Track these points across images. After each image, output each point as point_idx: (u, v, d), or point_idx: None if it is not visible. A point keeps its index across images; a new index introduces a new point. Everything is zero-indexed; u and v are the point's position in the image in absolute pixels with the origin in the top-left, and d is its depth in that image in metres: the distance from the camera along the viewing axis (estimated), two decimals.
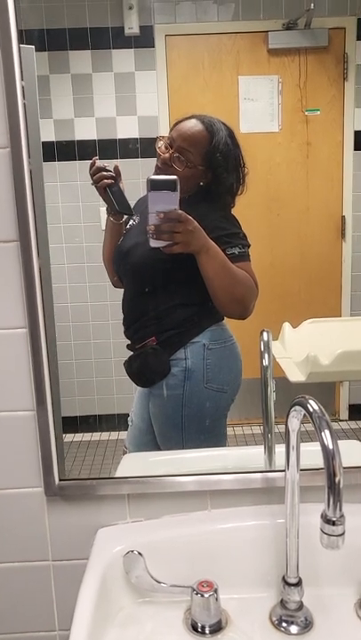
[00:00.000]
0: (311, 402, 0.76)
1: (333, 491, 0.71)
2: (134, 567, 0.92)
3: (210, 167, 1.24)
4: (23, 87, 0.88)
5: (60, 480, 1.02)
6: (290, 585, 0.90)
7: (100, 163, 1.29)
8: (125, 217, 1.36)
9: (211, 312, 1.26)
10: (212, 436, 1.33)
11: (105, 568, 0.92)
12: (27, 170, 0.91)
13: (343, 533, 0.73)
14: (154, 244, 1.14)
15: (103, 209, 1.69)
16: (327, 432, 0.72)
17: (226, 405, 1.35)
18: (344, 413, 1.68)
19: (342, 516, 0.72)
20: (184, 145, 1.22)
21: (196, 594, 0.89)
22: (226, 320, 1.32)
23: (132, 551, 0.93)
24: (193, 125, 1.24)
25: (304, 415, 0.78)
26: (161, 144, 1.25)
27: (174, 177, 1.11)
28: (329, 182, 1.63)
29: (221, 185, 1.26)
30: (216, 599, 0.89)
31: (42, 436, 1.01)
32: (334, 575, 0.96)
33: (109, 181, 1.27)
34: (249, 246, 1.25)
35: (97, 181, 1.28)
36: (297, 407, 0.79)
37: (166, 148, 1.24)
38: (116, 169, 1.28)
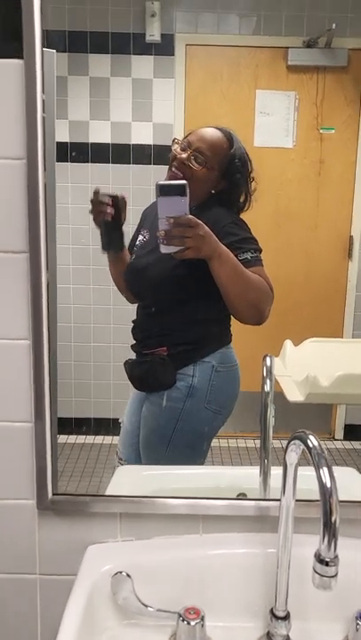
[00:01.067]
0: (311, 438, 0.75)
1: (329, 529, 0.70)
2: (122, 589, 0.92)
3: (227, 173, 1.24)
4: (44, 101, 0.87)
5: (54, 494, 1.02)
6: (277, 618, 0.89)
7: (103, 195, 1.28)
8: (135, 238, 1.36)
9: (225, 333, 1.26)
10: (195, 453, 1.33)
11: (92, 587, 0.91)
12: (41, 183, 0.91)
13: (336, 575, 0.71)
14: (164, 249, 1.13)
15: None
16: (325, 470, 0.71)
17: (217, 427, 1.35)
18: (340, 433, 1.67)
19: (336, 556, 0.71)
20: (203, 147, 1.23)
21: (183, 620, 0.88)
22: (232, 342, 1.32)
23: (121, 572, 0.92)
24: (212, 131, 1.25)
25: (303, 450, 0.77)
26: (176, 146, 1.25)
27: (184, 182, 1.10)
28: (339, 201, 1.63)
29: (234, 193, 1.25)
30: (202, 627, 0.88)
31: (38, 449, 1.00)
32: (323, 609, 0.95)
33: (106, 218, 1.26)
34: (261, 251, 1.25)
35: (94, 213, 1.27)
36: (296, 441, 0.78)
37: (182, 149, 1.24)
38: (123, 201, 1.27)
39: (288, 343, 1.30)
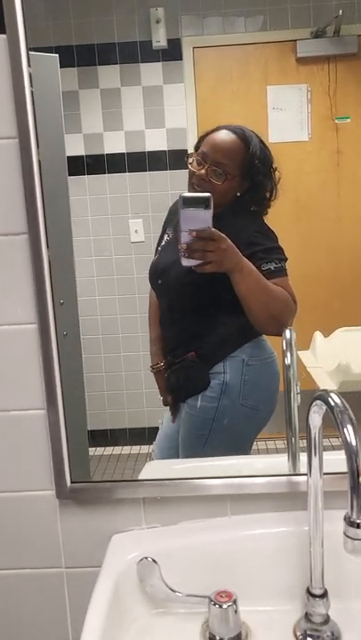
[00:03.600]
0: (333, 395, 0.71)
1: (357, 491, 0.67)
2: (149, 575, 0.89)
3: (248, 176, 1.21)
4: (30, 74, 0.85)
5: (72, 482, 0.99)
6: (315, 597, 0.85)
7: None
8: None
9: (251, 327, 1.23)
10: (235, 452, 1.30)
11: (118, 576, 0.88)
12: (35, 160, 0.89)
13: None
14: (186, 262, 1.11)
15: (132, 221, 1.70)
16: (350, 427, 0.68)
17: (257, 425, 1.31)
18: (356, 423, 1.62)
19: None
20: (219, 157, 1.19)
21: (214, 604, 0.85)
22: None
23: (147, 558, 0.89)
24: (225, 136, 1.21)
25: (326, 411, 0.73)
26: (192, 160, 1.22)
27: (208, 194, 1.07)
28: (360, 191, 1.60)
29: (260, 192, 1.22)
30: (235, 611, 0.85)
31: (53, 436, 0.98)
32: None
33: None
34: (286, 260, 1.22)
35: None
36: (318, 401, 0.74)
37: (199, 164, 1.20)
38: None
39: (318, 334, 1.27)
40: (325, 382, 1.15)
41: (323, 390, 0.72)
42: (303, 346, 1.05)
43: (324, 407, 0.73)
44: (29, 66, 0.85)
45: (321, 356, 1.23)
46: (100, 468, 1.61)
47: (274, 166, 1.22)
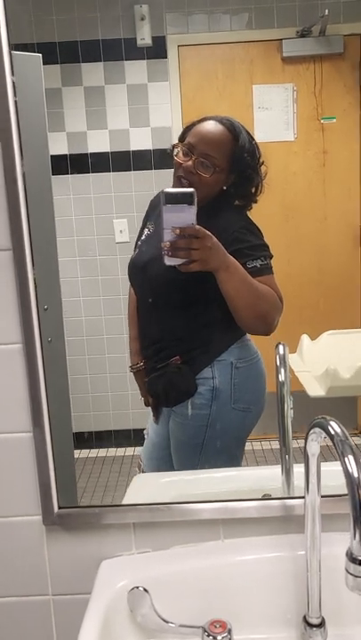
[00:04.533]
0: (333, 423, 0.69)
1: (360, 524, 0.64)
2: (140, 605, 0.86)
3: (236, 169, 1.16)
4: (14, 82, 0.82)
5: (60, 508, 0.96)
6: (311, 626, 0.83)
7: None
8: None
9: (237, 327, 1.20)
10: (230, 457, 1.28)
11: (108, 605, 0.85)
12: (19, 171, 0.85)
13: None
14: (169, 261, 1.06)
15: (117, 221, 1.68)
16: (351, 458, 0.65)
17: (250, 425, 1.29)
18: (357, 452, 1.62)
19: None
20: (207, 149, 1.14)
21: (208, 635, 0.82)
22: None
23: (138, 587, 0.86)
24: (213, 128, 1.16)
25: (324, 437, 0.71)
26: (177, 151, 1.17)
27: (191, 190, 1.03)
28: (346, 191, 1.60)
29: (247, 186, 1.18)
30: None
31: (39, 460, 0.95)
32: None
33: None
34: (272, 257, 1.19)
35: None
36: (316, 429, 0.72)
37: (185, 155, 1.15)
38: None
39: (305, 338, 1.26)
40: (313, 387, 1.14)
41: (321, 417, 0.70)
42: (290, 349, 1.05)
43: (323, 435, 0.70)
44: (13, 74, 0.81)
45: (308, 360, 1.22)
46: (85, 471, 1.59)
47: (261, 160, 1.18)
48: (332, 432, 0.68)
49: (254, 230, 1.19)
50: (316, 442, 0.74)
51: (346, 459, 0.65)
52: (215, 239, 1.07)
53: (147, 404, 1.35)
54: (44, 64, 1.18)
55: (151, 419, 1.36)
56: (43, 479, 0.95)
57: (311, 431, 0.73)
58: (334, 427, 0.68)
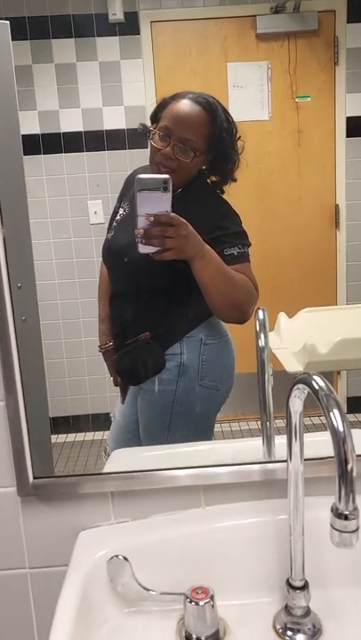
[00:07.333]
0: (316, 378, 0.67)
1: (345, 480, 0.62)
2: (119, 574, 0.85)
3: (215, 149, 1.12)
4: None
5: (35, 478, 0.93)
6: (295, 589, 0.82)
7: None
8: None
9: (207, 306, 1.19)
10: (199, 436, 1.28)
11: (86, 575, 0.84)
12: None
13: (358, 529, 0.64)
14: (143, 249, 1.02)
15: (91, 202, 1.66)
16: (336, 412, 0.63)
17: (218, 404, 1.29)
18: (343, 406, 1.65)
19: (356, 509, 0.63)
20: (185, 134, 1.09)
21: (190, 602, 0.80)
22: None
23: (117, 556, 0.85)
24: (189, 109, 1.11)
25: (308, 394, 0.69)
26: (153, 134, 1.11)
27: (166, 176, 0.99)
28: (321, 170, 1.60)
29: (224, 164, 1.14)
30: (212, 607, 0.81)
31: (12, 429, 0.91)
32: (344, 574, 0.88)
33: None
34: (249, 245, 1.16)
35: None
36: (300, 385, 0.70)
37: (162, 139, 1.10)
38: None
39: (282, 315, 1.26)
40: (291, 363, 1.14)
41: (305, 373, 0.68)
42: (268, 329, 1.05)
43: (306, 391, 0.69)
44: None
45: (286, 338, 1.22)
46: (63, 455, 1.58)
47: (238, 135, 1.16)
48: (316, 387, 0.66)
49: (233, 217, 1.17)
50: (298, 398, 0.72)
51: (331, 413, 0.64)
52: (191, 227, 1.04)
53: (115, 384, 1.34)
54: (12, 40, 1.15)
55: (119, 400, 1.35)
56: (16, 449, 0.92)
57: (295, 387, 0.71)
58: (318, 381, 0.67)
